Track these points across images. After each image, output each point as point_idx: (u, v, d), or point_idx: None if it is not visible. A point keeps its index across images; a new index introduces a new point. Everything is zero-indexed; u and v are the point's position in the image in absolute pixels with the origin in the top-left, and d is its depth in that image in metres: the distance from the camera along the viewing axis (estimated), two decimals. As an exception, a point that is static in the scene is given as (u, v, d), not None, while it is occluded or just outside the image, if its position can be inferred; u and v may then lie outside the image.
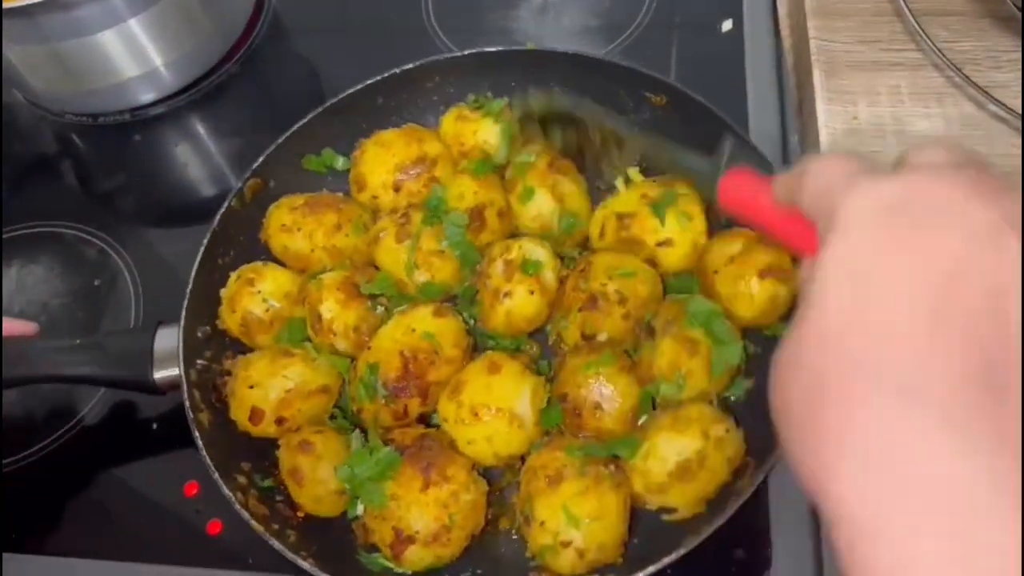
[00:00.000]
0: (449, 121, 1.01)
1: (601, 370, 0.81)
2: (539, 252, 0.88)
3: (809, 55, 0.96)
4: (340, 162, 1.03)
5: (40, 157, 1.24)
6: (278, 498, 0.82)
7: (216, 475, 0.78)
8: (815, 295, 0.40)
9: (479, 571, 0.80)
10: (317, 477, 0.80)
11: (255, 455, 0.84)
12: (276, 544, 0.75)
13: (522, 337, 0.90)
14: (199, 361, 0.87)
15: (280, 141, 0.98)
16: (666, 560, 0.72)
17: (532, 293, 0.86)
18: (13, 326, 0.87)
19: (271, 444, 0.85)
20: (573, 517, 0.74)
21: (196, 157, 1.21)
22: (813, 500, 0.38)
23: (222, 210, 0.94)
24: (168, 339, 0.86)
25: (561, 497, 0.75)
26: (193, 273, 0.90)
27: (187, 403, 0.82)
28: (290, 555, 0.74)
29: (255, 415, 0.84)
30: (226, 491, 0.77)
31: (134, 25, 1.13)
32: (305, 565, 0.74)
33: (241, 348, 0.91)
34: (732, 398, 0.84)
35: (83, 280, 1.07)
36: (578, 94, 0.83)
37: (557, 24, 1.24)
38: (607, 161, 0.82)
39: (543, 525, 0.75)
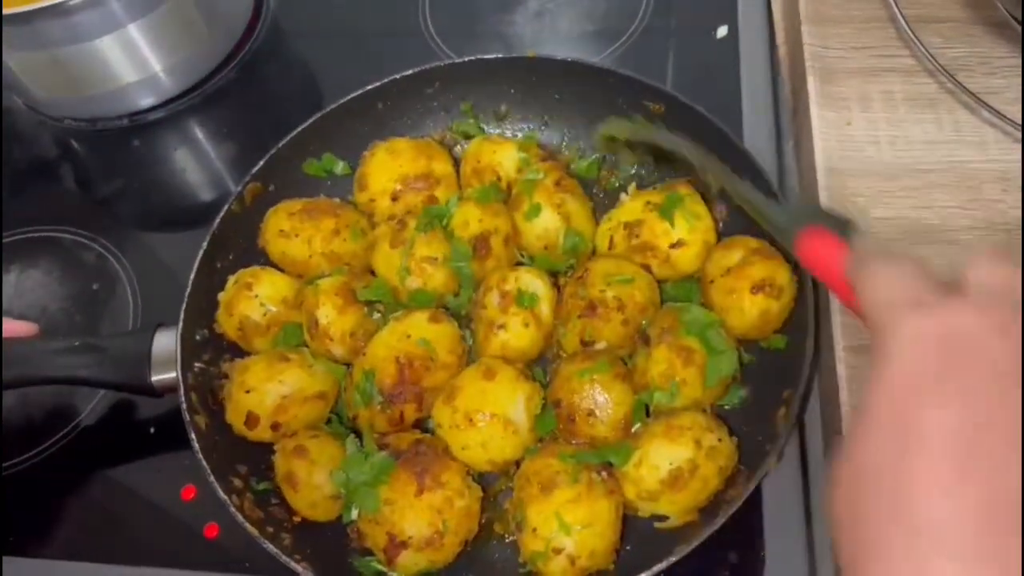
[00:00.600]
0: (476, 142, 1.02)
1: (596, 377, 0.81)
2: (536, 284, 0.88)
3: (803, 61, 0.97)
4: (340, 167, 1.03)
5: (39, 162, 1.25)
6: (274, 501, 0.83)
7: (212, 478, 0.78)
8: (862, 425, 0.45)
9: None
10: (312, 482, 0.80)
11: (251, 458, 0.85)
12: (271, 548, 0.75)
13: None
14: (197, 364, 0.88)
15: (280, 145, 0.99)
16: (656, 567, 0.72)
17: (527, 326, 0.86)
18: (13, 327, 0.87)
19: (267, 447, 0.85)
20: (565, 524, 0.74)
21: (195, 162, 1.21)
22: None
23: (221, 214, 0.94)
24: (166, 342, 0.86)
25: (553, 504, 0.75)
26: (192, 276, 0.90)
27: (184, 406, 0.83)
28: (284, 558, 0.74)
29: (251, 420, 0.84)
30: (222, 494, 0.78)
31: (133, 31, 1.13)
32: (299, 569, 0.74)
33: (239, 352, 0.91)
34: (727, 407, 0.85)
35: (82, 285, 1.08)
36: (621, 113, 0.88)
37: (553, 29, 1.25)
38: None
39: (535, 532, 0.76)
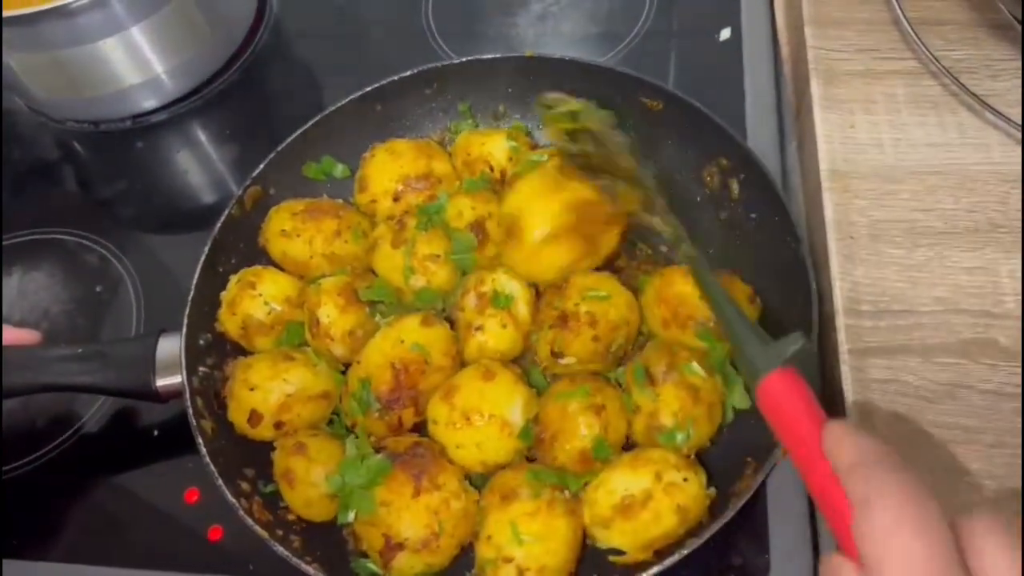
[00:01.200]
0: (463, 136, 1.02)
1: (568, 404, 0.80)
2: (512, 285, 0.88)
3: (806, 64, 0.97)
4: (339, 169, 1.04)
5: (41, 164, 1.25)
6: (281, 504, 0.82)
7: (220, 482, 0.78)
8: None
9: None
10: (309, 480, 0.80)
11: (258, 461, 0.84)
12: (280, 550, 0.75)
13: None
14: (201, 368, 0.87)
15: (280, 148, 0.99)
16: (666, 562, 0.72)
17: (504, 327, 0.86)
18: (15, 335, 0.87)
19: (274, 449, 0.85)
20: (518, 534, 0.74)
21: (197, 164, 1.21)
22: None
23: (222, 217, 0.94)
24: (170, 347, 0.86)
25: (510, 514, 0.75)
26: (195, 281, 0.90)
27: (190, 411, 0.82)
28: (295, 560, 0.74)
29: (253, 418, 0.84)
30: (230, 498, 0.77)
31: (135, 33, 1.13)
32: (309, 570, 0.74)
33: (242, 355, 0.91)
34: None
35: (84, 287, 1.08)
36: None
37: (557, 31, 1.25)
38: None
39: (489, 539, 0.75)
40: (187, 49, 1.21)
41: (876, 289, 0.81)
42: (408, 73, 1.03)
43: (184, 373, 0.84)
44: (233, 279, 0.93)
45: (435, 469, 0.79)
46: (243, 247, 0.96)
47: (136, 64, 1.17)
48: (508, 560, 0.74)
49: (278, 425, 0.84)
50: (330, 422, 0.88)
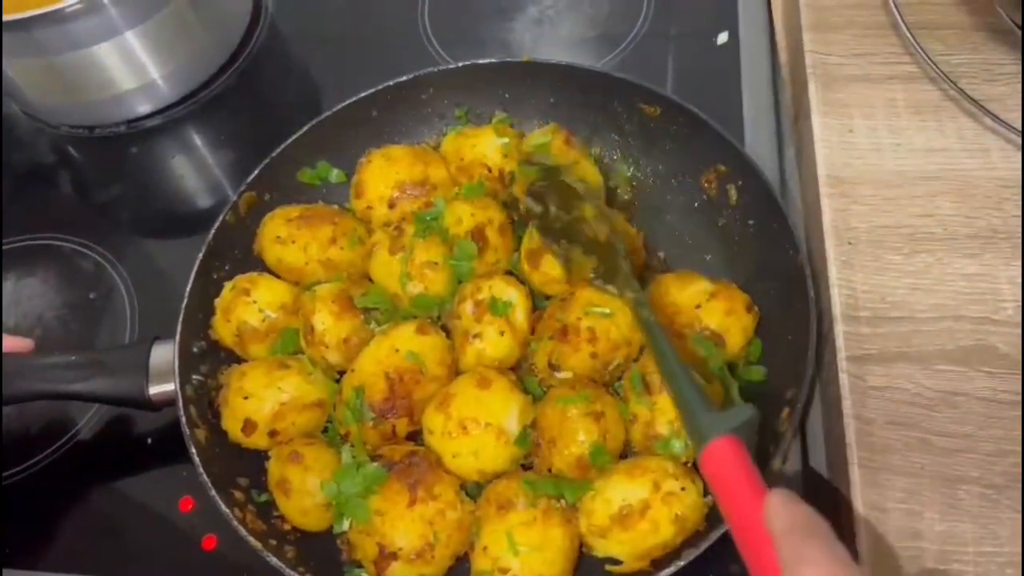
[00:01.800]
0: (450, 139, 1.02)
1: (568, 410, 0.80)
2: (510, 292, 0.88)
3: (804, 68, 0.96)
4: (335, 174, 1.03)
5: (37, 169, 1.25)
6: (275, 513, 0.82)
7: (213, 492, 0.78)
8: None
9: None
10: (305, 488, 0.80)
11: (251, 470, 0.84)
12: (274, 560, 0.74)
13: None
14: (195, 376, 0.87)
15: (274, 154, 0.99)
16: (664, 573, 0.72)
17: (502, 334, 0.86)
18: (9, 343, 0.87)
19: (267, 458, 0.84)
20: (514, 544, 0.73)
21: (193, 169, 1.21)
22: None
23: (217, 224, 0.94)
24: (164, 354, 0.86)
25: (506, 524, 0.75)
26: (188, 288, 0.90)
27: (183, 419, 0.82)
28: (288, 571, 0.74)
29: (248, 427, 0.83)
30: (224, 508, 0.77)
31: (131, 38, 1.13)
32: None
33: (236, 362, 0.91)
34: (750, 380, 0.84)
35: (79, 293, 1.07)
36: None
37: (554, 35, 1.24)
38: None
39: (485, 550, 0.75)
40: (182, 54, 1.21)
41: (875, 295, 0.80)
42: (404, 78, 1.03)
43: (177, 381, 0.84)
44: (227, 286, 0.92)
45: (431, 479, 0.78)
46: (238, 254, 0.96)
47: (131, 69, 1.17)
48: (504, 571, 0.73)
49: (272, 434, 0.84)
50: (324, 430, 0.88)
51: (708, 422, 0.63)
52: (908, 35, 0.94)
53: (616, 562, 0.76)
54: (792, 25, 1.06)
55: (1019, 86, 0.91)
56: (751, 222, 0.92)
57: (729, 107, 1.06)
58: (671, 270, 0.91)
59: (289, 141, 0.99)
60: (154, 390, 0.84)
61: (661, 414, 0.80)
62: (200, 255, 0.91)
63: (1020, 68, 0.92)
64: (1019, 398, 0.74)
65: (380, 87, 1.02)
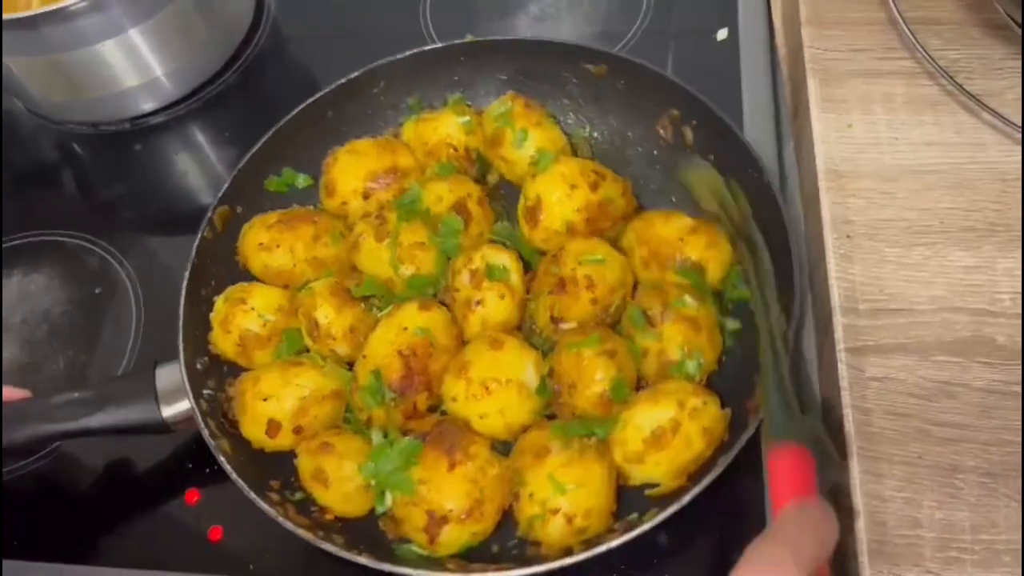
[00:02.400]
0: (410, 127, 1.04)
1: (583, 352, 0.83)
2: (502, 257, 0.90)
3: (803, 63, 0.97)
4: (301, 179, 1.04)
5: (41, 166, 1.25)
6: (313, 509, 0.82)
7: (254, 495, 0.77)
8: None
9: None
10: (343, 475, 0.80)
11: (280, 473, 0.84)
12: (331, 548, 0.74)
13: None
14: (205, 391, 0.87)
15: (240, 167, 0.99)
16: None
17: (502, 297, 0.88)
18: (7, 394, 0.85)
19: (289, 461, 0.84)
20: (559, 485, 0.75)
21: (196, 166, 1.22)
22: None
23: (196, 243, 0.93)
24: (169, 376, 0.85)
25: (547, 468, 0.77)
26: (181, 309, 0.89)
27: (205, 433, 0.81)
28: (347, 554, 0.74)
29: (272, 427, 0.84)
30: (267, 508, 0.76)
31: (134, 35, 1.14)
32: (364, 561, 0.74)
33: (239, 374, 0.90)
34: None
35: (84, 288, 1.08)
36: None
37: (555, 32, 1.25)
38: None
39: (531, 496, 0.77)
40: (186, 51, 1.21)
41: (873, 288, 0.81)
42: (354, 75, 1.04)
43: (191, 398, 0.83)
44: (220, 299, 0.92)
45: (465, 441, 0.80)
46: (222, 269, 0.96)
47: (135, 66, 1.17)
48: (555, 511, 0.75)
49: (297, 430, 0.84)
50: (345, 420, 0.88)
51: (786, 426, 0.67)
52: (906, 31, 0.95)
53: (654, 485, 0.79)
54: (791, 21, 1.07)
55: (1016, 80, 0.92)
56: (711, 156, 0.95)
57: (729, 102, 1.06)
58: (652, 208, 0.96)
59: (251, 153, 0.99)
60: (167, 412, 0.84)
61: (670, 341, 0.83)
62: (186, 275, 0.91)
63: (1018, 63, 0.93)
64: (1017, 388, 0.74)
65: (333, 86, 1.03)
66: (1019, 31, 0.93)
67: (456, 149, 1.01)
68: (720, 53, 1.15)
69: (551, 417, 0.85)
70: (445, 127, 1.01)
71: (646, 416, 0.78)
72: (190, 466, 0.89)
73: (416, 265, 0.92)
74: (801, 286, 0.82)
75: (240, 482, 0.78)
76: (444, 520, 0.77)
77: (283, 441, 0.84)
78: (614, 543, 0.72)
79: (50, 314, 1.07)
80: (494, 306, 0.88)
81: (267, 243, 0.94)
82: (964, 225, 0.84)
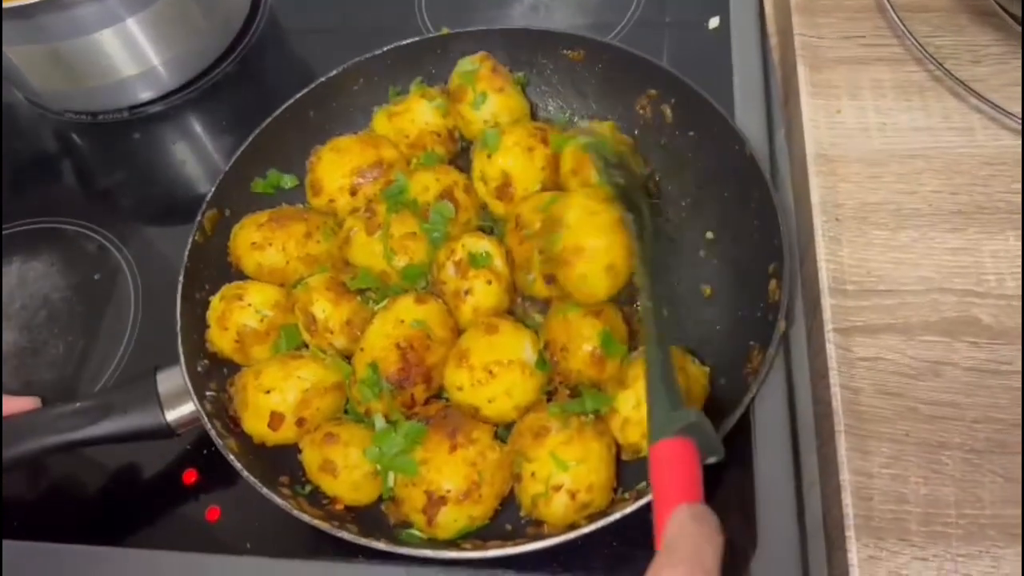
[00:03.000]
0: (380, 120, 1.05)
1: (568, 315, 0.85)
2: (483, 244, 0.91)
3: (794, 50, 0.98)
4: (286, 180, 1.05)
5: (40, 155, 1.26)
6: (323, 501, 0.83)
7: (266, 490, 0.78)
8: None
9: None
10: (350, 463, 0.81)
11: (286, 468, 0.85)
12: (347, 536, 0.75)
13: None
14: (208, 393, 0.87)
15: (226, 170, 1.00)
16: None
17: (490, 283, 0.89)
18: (15, 404, 0.85)
19: (294, 456, 0.85)
20: (561, 462, 0.77)
21: (194, 154, 1.22)
22: None
23: (188, 247, 0.94)
24: (170, 381, 0.85)
25: (547, 447, 0.78)
26: (178, 312, 0.89)
27: (212, 433, 0.82)
28: (364, 541, 0.74)
29: (274, 420, 0.84)
30: (280, 502, 0.77)
31: (132, 24, 1.15)
32: (381, 546, 0.74)
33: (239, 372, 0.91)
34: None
35: (83, 275, 1.09)
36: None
37: (548, 22, 1.26)
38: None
39: (533, 475, 0.78)
40: (183, 40, 1.22)
41: (861, 270, 0.82)
42: (332, 73, 1.06)
43: (195, 398, 0.84)
44: (216, 297, 0.92)
45: (468, 426, 0.81)
46: (214, 272, 0.96)
47: (133, 55, 1.18)
48: (557, 488, 0.77)
49: (300, 422, 0.85)
50: (344, 413, 0.89)
51: (665, 419, 0.63)
52: (895, 17, 0.96)
53: None
54: (782, 8, 1.08)
55: (1004, 66, 0.93)
56: (691, 133, 0.97)
57: (721, 90, 1.07)
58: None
59: (236, 155, 1.00)
60: (171, 416, 0.84)
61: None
62: (180, 279, 0.92)
63: (1005, 49, 0.94)
64: (1002, 367, 0.76)
65: (313, 85, 1.05)
66: (1009, 20, 0.95)
67: (439, 135, 1.02)
68: (712, 41, 1.16)
69: (550, 397, 0.86)
70: (422, 116, 1.02)
71: (640, 386, 0.79)
72: (188, 446, 0.89)
73: (409, 255, 0.93)
74: (791, 269, 0.83)
75: (252, 480, 0.79)
76: (442, 500, 0.78)
77: (286, 434, 0.85)
78: (628, 510, 0.73)
79: (49, 300, 1.08)
80: (483, 292, 0.89)
81: (259, 242, 0.95)
82: (951, 208, 0.85)
